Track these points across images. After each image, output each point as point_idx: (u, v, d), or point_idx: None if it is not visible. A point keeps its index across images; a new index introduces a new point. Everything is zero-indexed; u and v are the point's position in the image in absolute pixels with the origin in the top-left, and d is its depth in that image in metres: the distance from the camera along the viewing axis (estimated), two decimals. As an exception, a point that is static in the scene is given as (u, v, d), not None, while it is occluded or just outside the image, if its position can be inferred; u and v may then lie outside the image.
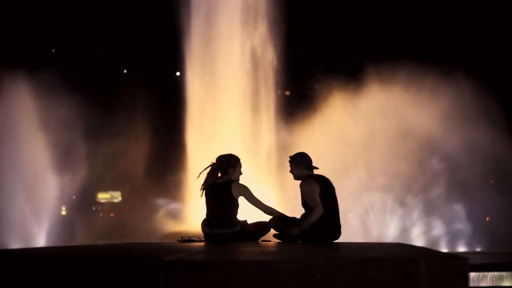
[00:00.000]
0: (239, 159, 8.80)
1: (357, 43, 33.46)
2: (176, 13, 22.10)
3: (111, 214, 34.25)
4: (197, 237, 8.78)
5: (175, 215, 22.27)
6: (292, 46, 22.62)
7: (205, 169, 8.75)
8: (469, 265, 4.97)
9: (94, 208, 33.27)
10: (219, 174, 8.71)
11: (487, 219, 22.66)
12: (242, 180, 8.79)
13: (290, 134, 22.12)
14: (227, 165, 8.68)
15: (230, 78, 21.60)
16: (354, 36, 34.09)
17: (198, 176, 8.73)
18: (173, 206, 22.90)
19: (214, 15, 21.87)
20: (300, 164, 8.64)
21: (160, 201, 23.84)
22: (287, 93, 24.13)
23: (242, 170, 8.81)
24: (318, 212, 8.30)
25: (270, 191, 19.07)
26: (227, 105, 21.43)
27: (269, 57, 22.18)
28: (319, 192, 8.35)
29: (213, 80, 21.89)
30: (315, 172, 8.70)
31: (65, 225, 22.50)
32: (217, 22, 21.83)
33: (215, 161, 8.76)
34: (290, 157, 8.74)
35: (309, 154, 8.76)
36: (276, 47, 22.14)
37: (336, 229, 8.50)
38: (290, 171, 8.73)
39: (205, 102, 21.70)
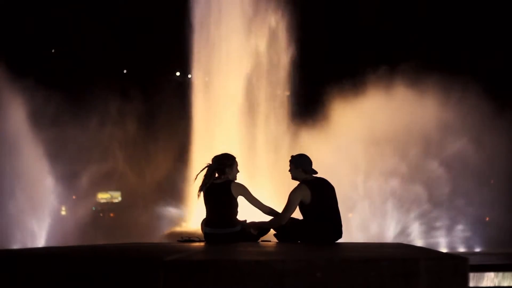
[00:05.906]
0: (235, 158, 8.80)
1: (359, 44, 33.47)
2: (178, 12, 22.10)
3: (111, 214, 34.25)
4: (197, 237, 8.78)
5: (175, 215, 22.27)
6: (293, 46, 22.61)
7: (201, 170, 8.73)
8: (469, 265, 4.97)
9: (94, 208, 33.27)
10: (216, 175, 8.70)
11: (487, 219, 22.67)
12: (242, 180, 8.79)
13: (290, 134, 22.13)
14: (224, 165, 8.67)
15: (231, 78, 21.61)
16: (357, 37, 34.10)
17: (195, 178, 8.71)
18: (173, 206, 22.88)
19: (217, 15, 21.88)
20: (299, 166, 8.66)
21: (161, 202, 23.83)
22: (287, 93, 24.15)
23: (238, 168, 8.82)
24: (280, 221, 8.42)
25: (269, 191, 19.07)
26: (228, 105, 21.45)
27: (270, 57, 22.18)
28: (310, 200, 8.37)
29: (214, 80, 21.90)
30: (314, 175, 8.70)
31: (65, 225, 22.48)
32: (219, 22, 21.84)
33: (211, 162, 8.75)
34: (292, 157, 8.77)
35: (308, 155, 8.75)
36: (279, 48, 22.16)
37: (337, 230, 8.51)
38: (289, 171, 8.76)
39: (207, 102, 21.73)
